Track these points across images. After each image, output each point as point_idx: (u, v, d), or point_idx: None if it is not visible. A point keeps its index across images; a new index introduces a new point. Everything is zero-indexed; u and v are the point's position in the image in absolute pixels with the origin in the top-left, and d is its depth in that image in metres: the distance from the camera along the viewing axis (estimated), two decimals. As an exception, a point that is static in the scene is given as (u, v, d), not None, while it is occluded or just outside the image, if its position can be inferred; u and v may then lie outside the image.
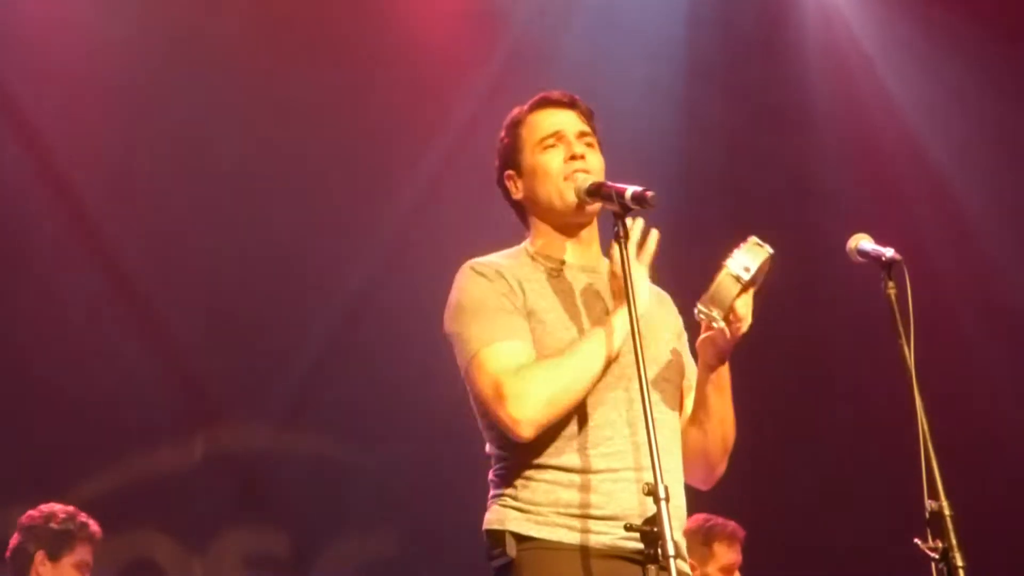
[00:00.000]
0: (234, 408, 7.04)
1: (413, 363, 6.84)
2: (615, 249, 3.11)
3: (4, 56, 6.76)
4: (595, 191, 3.19)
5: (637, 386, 2.95)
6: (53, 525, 5.33)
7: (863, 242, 3.52)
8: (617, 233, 3.08)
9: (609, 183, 3.17)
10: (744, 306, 3.12)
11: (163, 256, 6.96)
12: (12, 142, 6.77)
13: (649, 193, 3.07)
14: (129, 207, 6.92)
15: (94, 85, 6.85)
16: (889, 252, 3.44)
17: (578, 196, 3.23)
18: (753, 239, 3.11)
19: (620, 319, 3.09)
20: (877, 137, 7.79)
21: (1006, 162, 7.66)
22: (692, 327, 3.32)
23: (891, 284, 3.39)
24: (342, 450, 7.20)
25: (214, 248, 7.00)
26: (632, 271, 3.06)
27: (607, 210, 3.21)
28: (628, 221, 3.12)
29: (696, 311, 3.12)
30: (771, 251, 3.10)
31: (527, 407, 3.04)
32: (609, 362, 3.10)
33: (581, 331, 3.16)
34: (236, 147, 6.98)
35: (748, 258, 3.07)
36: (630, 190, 3.09)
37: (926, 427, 3.22)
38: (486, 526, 3.15)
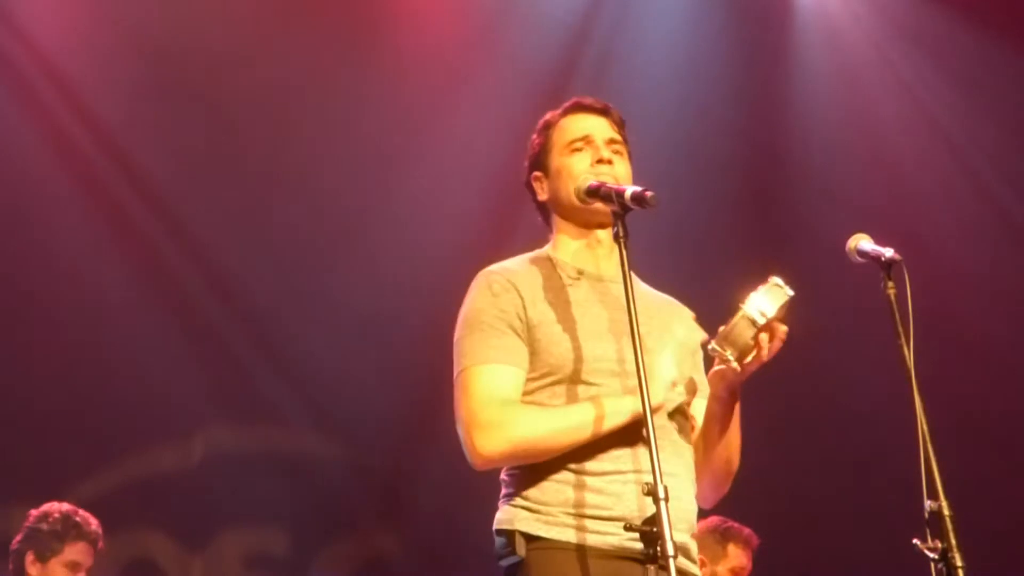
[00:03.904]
0: (233, 408, 7.04)
1: (414, 363, 6.84)
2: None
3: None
4: (594, 191, 3.18)
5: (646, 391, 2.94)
6: (44, 526, 5.32)
7: (863, 242, 3.51)
8: (617, 233, 3.07)
9: (608, 183, 3.17)
10: (767, 351, 3.08)
11: (163, 257, 6.96)
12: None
13: (649, 193, 3.06)
14: (129, 207, 6.92)
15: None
16: (889, 252, 3.43)
17: (577, 196, 3.24)
18: (774, 280, 3.08)
19: (627, 404, 3.07)
20: (881, 134, 7.78)
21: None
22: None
23: (891, 284, 3.39)
24: (342, 450, 7.20)
25: (214, 249, 7.01)
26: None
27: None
28: None
29: (710, 347, 3.11)
30: (791, 293, 3.06)
31: (490, 444, 3.09)
32: (596, 438, 3.07)
33: (590, 342, 3.16)
34: (235, 149, 7.00)
35: (766, 301, 3.05)
36: (629, 190, 3.08)
37: (925, 427, 3.22)
38: (496, 526, 3.16)
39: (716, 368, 3.16)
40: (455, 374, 3.19)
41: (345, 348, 7.10)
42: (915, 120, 7.74)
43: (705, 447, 3.26)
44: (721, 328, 3.08)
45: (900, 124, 7.75)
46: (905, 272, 3.35)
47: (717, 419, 3.22)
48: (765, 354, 3.09)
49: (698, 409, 3.31)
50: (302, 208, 7.08)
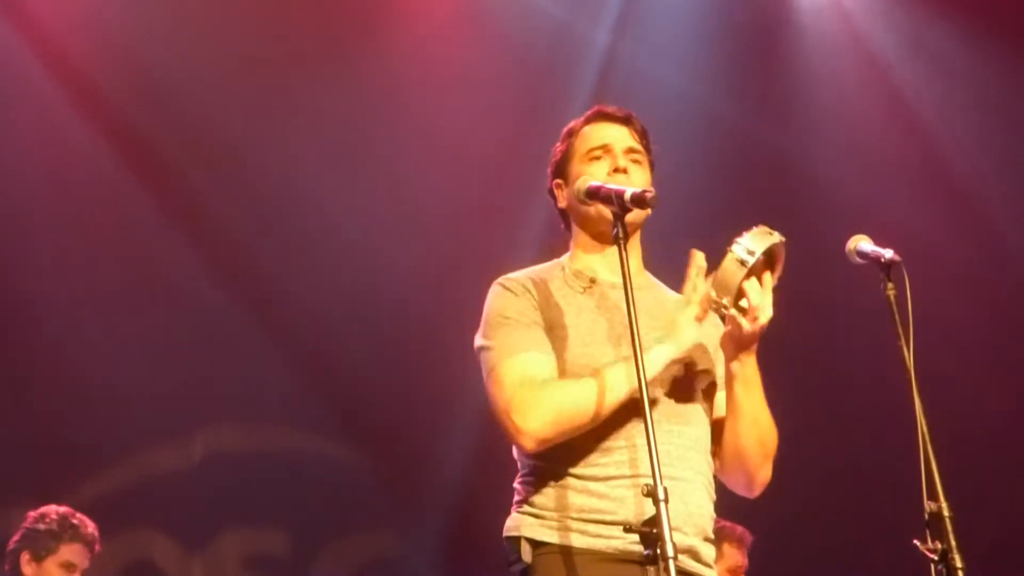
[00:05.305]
0: (233, 408, 7.04)
1: (415, 365, 6.85)
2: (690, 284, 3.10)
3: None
4: (594, 193, 3.17)
5: (651, 393, 2.94)
6: (41, 526, 5.34)
7: (862, 243, 3.49)
8: (616, 235, 3.05)
9: (608, 185, 3.16)
10: (757, 295, 3.07)
11: (163, 256, 6.97)
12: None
13: (649, 194, 3.06)
14: (129, 206, 6.93)
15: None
16: (888, 253, 3.42)
17: (578, 198, 3.23)
18: (762, 227, 3.08)
19: (656, 355, 3.06)
20: (883, 134, 7.79)
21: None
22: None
23: (890, 285, 3.38)
24: (342, 450, 7.21)
25: (214, 248, 7.01)
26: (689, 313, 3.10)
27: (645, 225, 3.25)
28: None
29: None
30: (781, 238, 3.07)
31: (532, 419, 3.06)
32: (631, 395, 3.04)
33: (601, 347, 3.16)
34: (234, 148, 7.00)
35: (754, 242, 3.03)
36: (629, 191, 3.07)
37: (925, 428, 3.21)
38: (505, 532, 3.17)
39: (723, 331, 3.15)
40: (485, 374, 3.18)
41: (344, 348, 7.11)
42: (915, 120, 7.75)
43: (732, 426, 3.24)
44: (711, 276, 3.07)
45: (900, 125, 7.75)
46: (905, 273, 3.35)
47: (737, 385, 3.18)
48: (756, 300, 3.05)
49: (720, 404, 3.30)
50: (301, 207, 7.09)
